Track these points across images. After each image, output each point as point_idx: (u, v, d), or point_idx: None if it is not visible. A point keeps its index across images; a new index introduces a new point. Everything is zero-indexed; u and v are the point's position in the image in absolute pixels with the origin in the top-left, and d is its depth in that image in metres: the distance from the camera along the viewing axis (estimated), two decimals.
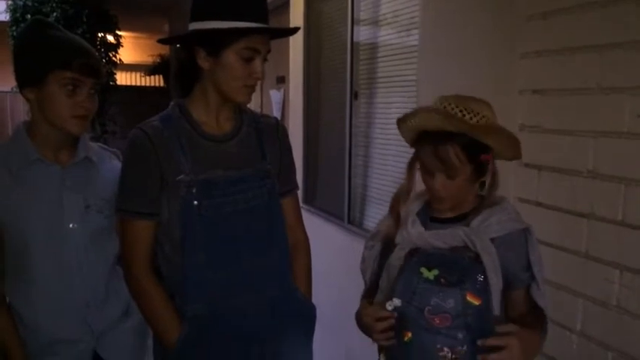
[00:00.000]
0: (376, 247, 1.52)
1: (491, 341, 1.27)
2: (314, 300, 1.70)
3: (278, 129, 1.66)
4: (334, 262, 3.34)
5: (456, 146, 1.34)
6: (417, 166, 1.43)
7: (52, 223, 1.55)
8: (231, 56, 1.46)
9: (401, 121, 1.42)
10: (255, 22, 1.45)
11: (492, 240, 1.39)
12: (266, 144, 1.60)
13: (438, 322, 1.34)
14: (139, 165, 1.49)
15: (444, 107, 1.36)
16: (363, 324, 1.45)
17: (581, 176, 1.73)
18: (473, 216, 1.41)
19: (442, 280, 1.37)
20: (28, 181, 1.54)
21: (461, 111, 1.35)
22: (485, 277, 1.36)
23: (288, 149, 1.68)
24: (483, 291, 1.36)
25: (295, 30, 1.64)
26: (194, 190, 1.47)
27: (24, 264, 1.54)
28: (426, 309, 1.36)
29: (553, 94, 1.84)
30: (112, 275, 1.66)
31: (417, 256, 1.42)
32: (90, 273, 1.60)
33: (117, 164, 1.67)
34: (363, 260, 1.57)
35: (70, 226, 1.57)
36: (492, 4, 2.12)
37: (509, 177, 1.97)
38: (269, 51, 1.51)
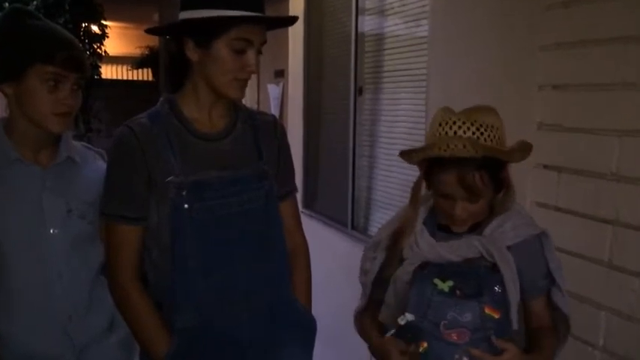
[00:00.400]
0: (378, 258, 1.52)
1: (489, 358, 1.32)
2: (313, 310, 1.70)
3: (276, 127, 1.66)
4: (336, 270, 3.33)
5: (482, 171, 1.36)
6: (422, 188, 1.45)
7: (30, 228, 1.54)
8: (221, 48, 1.45)
9: (413, 153, 1.43)
10: (249, 10, 1.44)
11: (508, 248, 1.39)
12: (263, 143, 1.60)
13: (455, 337, 1.34)
14: (125, 165, 1.47)
15: (459, 128, 1.35)
16: (384, 356, 1.44)
17: (604, 179, 1.73)
18: (485, 223, 1.43)
19: (458, 291, 1.37)
20: (6, 182, 1.53)
21: (478, 129, 1.35)
22: (503, 289, 1.37)
23: (286, 149, 1.68)
24: (502, 303, 1.37)
25: (293, 20, 1.64)
26: (184, 193, 1.46)
27: (1, 275, 1.53)
28: (442, 323, 1.35)
29: (574, 89, 1.83)
30: (96, 285, 1.65)
31: (429, 268, 1.42)
32: (71, 282, 1.59)
33: (102, 165, 1.66)
34: (365, 273, 1.56)
35: (51, 231, 1.56)
36: None
37: (526, 180, 1.96)
38: (264, 42, 1.51)
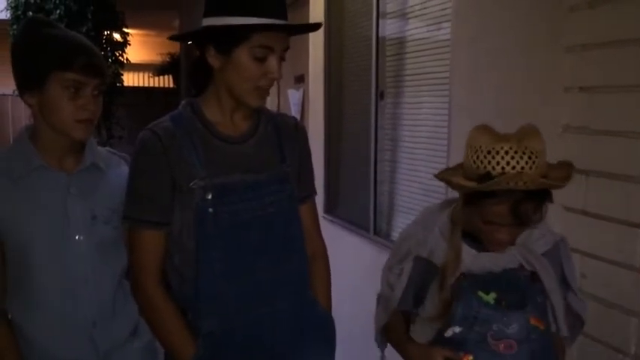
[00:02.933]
0: (406, 270, 1.50)
1: None
2: (337, 315, 1.69)
3: (297, 130, 1.66)
4: (358, 276, 3.32)
5: (537, 203, 1.34)
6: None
7: (55, 235, 1.55)
8: (242, 55, 1.45)
9: (481, 184, 1.35)
10: (271, 17, 1.43)
11: (543, 255, 1.42)
12: (285, 145, 1.60)
13: (502, 348, 1.36)
14: (149, 169, 1.47)
15: (512, 158, 1.31)
16: None
17: (633, 182, 1.69)
18: None
19: (502, 302, 1.38)
20: (31, 189, 1.55)
21: (530, 158, 1.31)
22: (544, 298, 1.39)
23: (307, 152, 1.68)
24: (545, 313, 1.40)
25: (316, 26, 1.63)
26: (209, 196, 1.45)
27: (25, 278, 1.55)
28: (489, 334, 1.36)
29: (602, 91, 1.81)
30: (120, 291, 1.66)
31: (469, 279, 1.41)
32: (96, 288, 1.60)
33: (126, 170, 1.66)
34: (391, 287, 1.54)
35: (76, 237, 1.57)
36: None
37: None
38: (286, 49, 1.50)
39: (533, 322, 1.37)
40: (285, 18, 1.48)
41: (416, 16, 3.07)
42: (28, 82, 1.54)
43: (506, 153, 1.32)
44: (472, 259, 1.42)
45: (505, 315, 1.37)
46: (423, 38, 3.01)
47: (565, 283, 1.46)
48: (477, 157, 1.34)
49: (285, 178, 1.56)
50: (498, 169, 1.31)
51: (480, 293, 1.39)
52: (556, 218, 1.89)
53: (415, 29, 3.10)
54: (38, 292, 1.55)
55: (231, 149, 1.51)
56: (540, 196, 1.35)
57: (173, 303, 1.49)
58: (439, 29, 2.84)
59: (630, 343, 1.72)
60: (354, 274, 3.35)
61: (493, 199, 1.33)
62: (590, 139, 1.84)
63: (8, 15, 7.10)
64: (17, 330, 1.56)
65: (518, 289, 1.39)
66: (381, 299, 1.59)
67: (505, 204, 1.33)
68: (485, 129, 1.37)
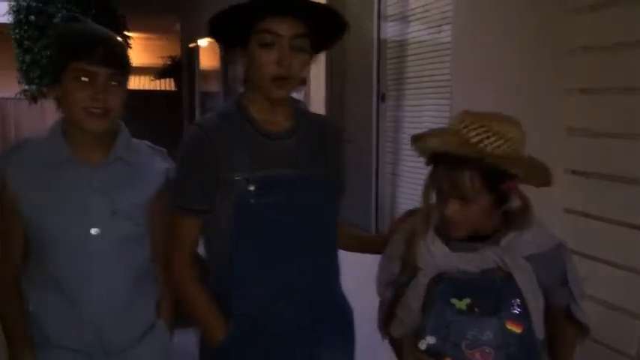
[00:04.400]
0: (394, 268, 1.51)
1: None
2: None
3: (338, 133, 1.74)
4: (361, 277, 3.31)
5: (473, 172, 1.31)
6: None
7: (74, 228, 1.55)
8: (253, 44, 1.48)
9: (416, 140, 1.41)
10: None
11: (527, 258, 1.36)
12: (326, 147, 1.65)
13: (479, 357, 1.32)
14: (195, 162, 1.54)
15: (464, 128, 1.33)
16: None
17: (636, 184, 1.69)
18: (502, 233, 1.39)
19: (476, 309, 1.34)
20: (56, 180, 1.56)
21: (482, 133, 1.31)
22: (522, 300, 1.34)
23: (341, 150, 1.75)
24: (523, 316, 1.34)
25: (339, 22, 1.58)
26: (251, 188, 1.50)
27: (43, 261, 1.57)
28: (464, 344, 1.33)
29: (604, 93, 1.80)
30: (137, 289, 1.64)
31: (443, 283, 1.39)
32: (108, 284, 1.59)
33: (160, 165, 1.68)
34: (380, 284, 1.56)
35: (92, 231, 1.56)
36: None
37: (555, 185, 1.93)
38: (296, 35, 1.47)
39: (509, 326, 1.33)
40: (292, 3, 1.44)
41: (417, 19, 3.08)
42: (51, 75, 1.57)
43: (461, 123, 1.34)
44: (445, 258, 1.39)
45: (478, 322, 1.33)
46: (424, 41, 3.01)
47: (568, 291, 1.42)
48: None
49: (324, 176, 1.61)
50: (446, 132, 1.36)
51: (453, 300, 1.36)
52: (557, 220, 1.89)
53: (416, 32, 3.10)
54: (53, 278, 1.56)
55: (274, 144, 1.56)
56: (488, 175, 1.31)
57: (201, 285, 1.58)
58: (440, 32, 2.84)
59: (632, 346, 1.71)
60: (356, 274, 3.34)
61: (438, 162, 1.36)
62: (592, 141, 1.84)
63: (10, 19, 7.10)
64: (28, 310, 1.58)
65: (494, 293, 1.35)
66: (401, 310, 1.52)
67: (443, 168, 1.34)
68: (466, 111, 1.40)
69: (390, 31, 3.33)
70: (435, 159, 1.38)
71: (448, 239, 1.42)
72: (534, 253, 1.37)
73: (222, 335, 1.55)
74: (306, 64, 1.54)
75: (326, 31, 1.57)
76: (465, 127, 1.33)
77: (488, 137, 1.31)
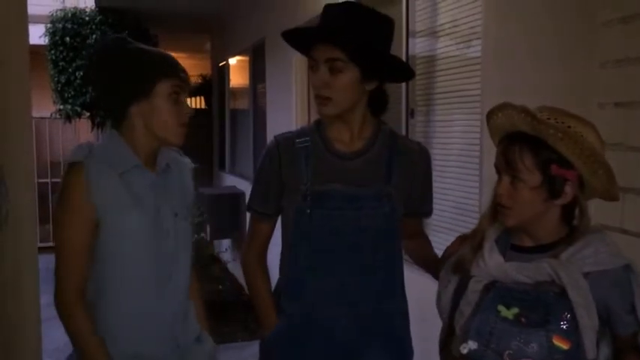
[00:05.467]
0: (452, 282, 1.48)
1: None
2: None
3: (417, 154, 1.78)
4: None
5: (524, 147, 1.32)
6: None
7: (150, 230, 1.60)
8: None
9: (489, 116, 1.42)
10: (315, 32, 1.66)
11: (586, 275, 1.31)
12: (396, 167, 1.71)
13: None
14: (265, 170, 1.77)
15: (539, 112, 1.32)
16: None
17: None
18: (563, 247, 1.35)
19: (523, 319, 1.31)
20: (131, 185, 1.59)
21: (548, 118, 1.31)
22: (574, 316, 1.28)
23: (424, 175, 1.79)
24: (572, 332, 1.29)
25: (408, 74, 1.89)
26: (308, 199, 1.66)
27: (117, 268, 1.59)
28: (506, 353, 1.30)
29: (638, 107, 1.77)
30: (188, 293, 1.72)
31: (494, 291, 1.36)
32: (178, 284, 1.66)
33: (189, 172, 1.77)
34: (439, 298, 1.53)
35: (167, 234, 1.63)
36: (564, 7, 2.08)
37: (589, 201, 1.89)
38: (329, 59, 1.62)
39: (556, 341, 1.28)
40: (326, 31, 1.64)
41: (446, 34, 3.07)
42: (135, 93, 1.58)
43: (540, 112, 1.33)
44: (497, 266, 1.37)
45: (524, 332, 1.29)
46: (454, 56, 3.00)
47: (634, 318, 1.32)
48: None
49: (384, 195, 1.68)
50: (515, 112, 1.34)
51: (500, 307, 1.33)
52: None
53: (445, 47, 3.09)
54: (128, 282, 1.59)
55: (339, 164, 1.70)
56: (538, 152, 1.31)
57: (265, 279, 1.80)
58: (469, 47, 2.83)
59: None
60: None
61: (502, 140, 1.37)
62: (626, 155, 1.80)
63: (46, 41, 7.30)
64: (100, 321, 1.58)
65: (544, 306, 1.30)
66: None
67: (502, 144, 1.35)
68: (557, 107, 1.38)
69: (419, 46, 3.32)
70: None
71: (506, 250, 1.40)
72: (595, 271, 1.31)
73: (270, 327, 1.74)
74: (349, 85, 1.64)
75: (371, 56, 1.66)
76: (539, 112, 1.33)
77: (558, 127, 1.29)
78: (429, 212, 1.89)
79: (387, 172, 1.71)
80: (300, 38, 1.73)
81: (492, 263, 1.38)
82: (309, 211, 1.67)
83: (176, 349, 1.65)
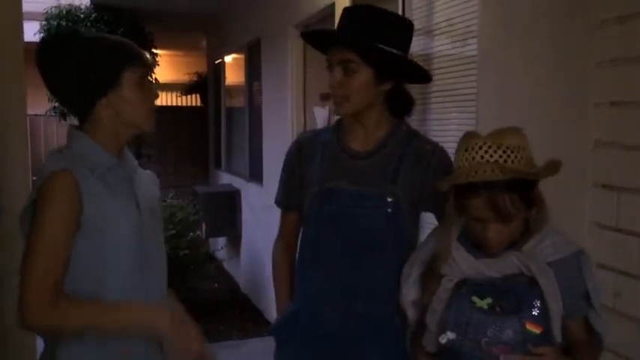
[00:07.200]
0: (413, 274, 1.54)
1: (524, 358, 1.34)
2: None
3: (429, 154, 1.77)
4: None
5: (512, 194, 1.36)
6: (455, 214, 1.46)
7: (134, 230, 1.55)
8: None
9: (448, 179, 1.45)
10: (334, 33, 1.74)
11: (549, 264, 1.40)
12: (405, 167, 1.73)
13: (497, 353, 1.36)
14: (287, 165, 1.90)
15: (486, 152, 1.37)
16: None
17: None
18: (523, 241, 1.43)
19: (497, 308, 1.38)
20: (112, 186, 1.53)
21: (504, 152, 1.37)
22: (544, 303, 1.37)
23: (438, 176, 1.73)
24: (543, 318, 1.38)
25: (422, 76, 1.86)
26: (318, 195, 1.75)
27: (105, 274, 1.50)
28: (483, 341, 1.37)
29: (634, 106, 1.77)
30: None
31: (466, 286, 1.43)
32: (156, 283, 1.62)
33: (153, 176, 1.74)
34: (405, 295, 1.57)
35: (147, 231, 1.58)
36: (560, 7, 2.08)
37: (584, 200, 1.90)
38: (342, 60, 1.68)
39: (529, 326, 1.37)
40: (340, 34, 1.71)
41: (442, 33, 3.07)
42: (103, 85, 1.53)
43: (480, 148, 1.38)
44: (468, 264, 1.43)
45: (498, 320, 1.37)
46: (449, 54, 3.00)
47: (586, 299, 1.44)
48: (458, 157, 1.43)
49: (389, 196, 1.71)
50: (474, 163, 1.38)
51: (474, 298, 1.41)
52: (588, 235, 1.86)
53: (441, 46, 3.09)
54: (116, 286, 1.51)
55: (350, 162, 1.77)
56: (521, 190, 1.37)
57: (284, 266, 1.93)
58: (465, 45, 2.83)
59: None
60: None
61: (471, 192, 1.38)
62: (622, 154, 1.81)
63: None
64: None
65: (515, 295, 1.39)
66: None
67: (483, 197, 1.37)
68: (472, 133, 1.46)
69: (415, 45, 3.31)
70: (461, 189, 1.41)
71: (470, 248, 1.47)
72: (555, 260, 1.41)
73: (281, 314, 1.87)
74: (363, 86, 1.69)
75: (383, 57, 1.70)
76: (483, 151, 1.38)
77: (509, 155, 1.37)
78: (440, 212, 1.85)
79: (395, 172, 1.73)
80: (317, 40, 1.82)
81: (463, 262, 1.44)
82: (318, 206, 1.75)
83: (160, 352, 1.59)
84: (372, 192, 1.72)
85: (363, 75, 1.68)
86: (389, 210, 1.71)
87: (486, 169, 1.35)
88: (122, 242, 1.53)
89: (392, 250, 1.73)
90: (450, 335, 1.40)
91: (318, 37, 1.82)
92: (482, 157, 1.37)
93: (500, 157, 1.37)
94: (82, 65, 1.52)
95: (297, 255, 1.88)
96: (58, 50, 1.53)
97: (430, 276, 1.49)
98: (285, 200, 1.91)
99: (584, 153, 1.92)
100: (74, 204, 1.45)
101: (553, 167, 1.42)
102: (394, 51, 1.68)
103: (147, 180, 1.70)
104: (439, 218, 1.81)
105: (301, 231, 1.86)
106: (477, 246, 1.47)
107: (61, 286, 1.44)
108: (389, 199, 1.70)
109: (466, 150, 1.40)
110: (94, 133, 1.56)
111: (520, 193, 1.37)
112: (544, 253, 1.41)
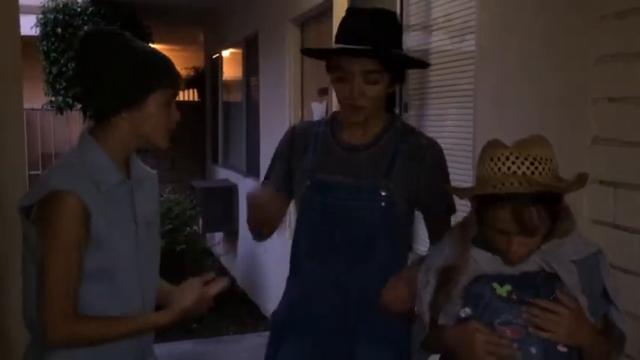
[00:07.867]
0: (432, 283, 1.51)
1: (545, 303, 1.34)
2: None
3: (424, 149, 1.76)
4: None
5: (538, 206, 1.34)
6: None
7: (133, 243, 1.55)
8: (330, 75, 1.74)
9: (473, 189, 1.42)
10: (349, 43, 1.66)
11: (573, 263, 1.40)
12: (399, 161, 1.72)
13: (509, 333, 1.36)
14: (277, 152, 1.89)
15: (513, 163, 1.34)
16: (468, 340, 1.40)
17: None
18: (543, 241, 1.41)
19: (514, 296, 1.39)
20: (114, 200, 1.52)
21: (532, 164, 1.34)
22: (557, 298, 1.37)
23: (431, 171, 1.76)
24: None
25: (419, 64, 1.92)
26: (310, 187, 1.74)
27: (103, 289, 1.52)
28: (496, 322, 1.38)
29: (632, 102, 1.77)
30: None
31: (485, 277, 1.43)
32: (151, 297, 1.62)
33: (155, 181, 1.71)
34: (419, 299, 1.53)
35: (142, 244, 1.57)
36: (559, 2, 2.07)
37: (582, 196, 1.90)
38: (369, 71, 1.65)
39: None
40: (366, 44, 1.63)
41: (440, 28, 3.06)
42: (130, 99, 1.49)
43: (507, 159, 1.34)
44: (487, 262, 1.43)
45: (514, 307, 1.37)
46: (447, 50, 3.00)
47: (606, 297, 1.43)
48: (483, 166, 1.38)
49: (382, 189, 1.70)
50: (500, 174, 1.34)
51: (495, 284, 1.40)
52: (584, 231, 1.85)
53: (439, 41, 3.08)
54: (115, 302, 1.53)
55: (344, 155, 1.76)
56: (547, 202, 1.35)
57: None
58: (463, 41, 2.82)
59: None
60: None
61: (496, 204, 1.35)
62: (620, 150, 1.80)
63: (38, 32, 7.22)
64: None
65: (535, 286, 1.39)
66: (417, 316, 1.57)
67: (508, 209, 1.34)
68: (496, 141, 1.41)
69: (413, 40, 3.32)
70: (484, 200, 1.38)
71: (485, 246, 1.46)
72: (576, 260, 1.41)
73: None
74: (383, 93, 1.71)
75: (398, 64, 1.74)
76: (511, 162, 1.34)
77: (536, 167, 1.34)
78: (442, 211, 1.82)
79: (389, 166, 1.72)
80: (325, 52, 1.78)
81: (483, 260, 1.44)
82: (310, 198, 1.74)
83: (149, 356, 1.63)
84: (365, 185, 1.71)
85: (384, 83, 1.69)
86: (382, 204, 1.70)
87: (513, 181, 1.31)
88: (120, 254, 1.53)
89: (388, 245, 1.72)
90: (468, 311, 1.41)
91: (336, 52, 1.73)
92: (508, 169, 1.33)
93: (528, 168, 1.33)
94: (117, 73, 1.48)
95: (290, 248, 1.85)
96: (101, 50, 1.51)
97: (445, 284, 1.47)
98: (268, 183, 1.88)
99: (582, 149, 1.91)
100: (82, 227, 1.46)
101: (581, 180, 1.40)
102: (414, 57, 1.71)
103: (148, 187, 1.66)
104: (428, 219, 1.82)
105: (295, 224, 1.84)
106: (492, 249, 1.44)
107: (77, 302, 1.47)
108: (383, 193, 1.70)
109: (491, 160, 1.36)
110: (106, 138, 1.54)
111: (546, 205, 1.35)
112: (566, 254, 1.40)
